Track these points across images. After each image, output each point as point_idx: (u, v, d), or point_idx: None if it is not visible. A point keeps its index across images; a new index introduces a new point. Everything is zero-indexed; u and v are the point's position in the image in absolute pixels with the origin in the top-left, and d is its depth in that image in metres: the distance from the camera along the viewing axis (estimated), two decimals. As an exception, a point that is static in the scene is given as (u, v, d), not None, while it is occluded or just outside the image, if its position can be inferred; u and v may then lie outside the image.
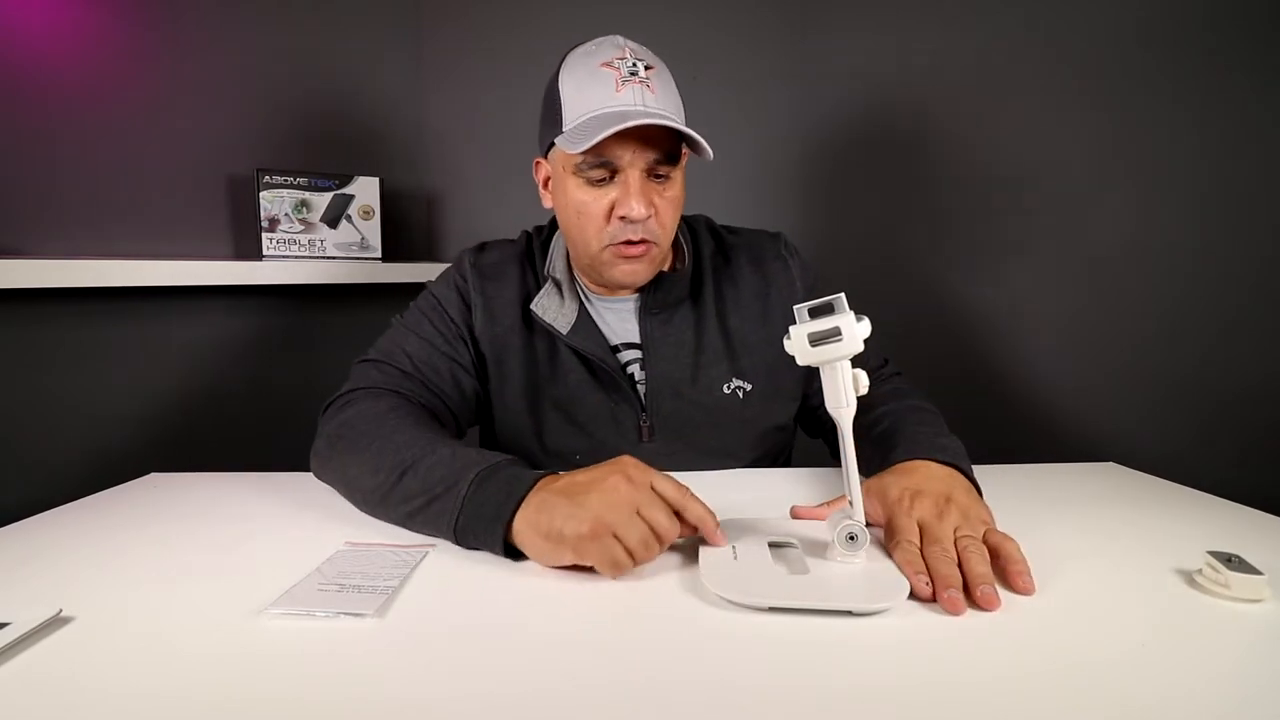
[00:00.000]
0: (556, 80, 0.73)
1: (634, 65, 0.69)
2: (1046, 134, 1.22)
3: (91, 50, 1.04)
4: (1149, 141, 1.16)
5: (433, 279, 0.86)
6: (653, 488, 0.52)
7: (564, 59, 0.74)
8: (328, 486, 0.69)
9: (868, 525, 0.52)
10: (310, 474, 0.71)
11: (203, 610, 0.46)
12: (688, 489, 0.54)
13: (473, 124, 1.43)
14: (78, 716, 0.35)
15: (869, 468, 0.66)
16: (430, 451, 0.59)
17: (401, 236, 1.40)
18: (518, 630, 0.43)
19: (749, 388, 0.80)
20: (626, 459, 0.55)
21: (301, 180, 1.20)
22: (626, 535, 0.49)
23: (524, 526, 0.52)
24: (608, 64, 0.69)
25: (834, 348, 0.48)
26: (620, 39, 0.73)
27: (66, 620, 0.44)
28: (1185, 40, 1.12)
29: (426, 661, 0.40)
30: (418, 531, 0.59)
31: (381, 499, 0.61)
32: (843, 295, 0.50)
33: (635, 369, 0.80)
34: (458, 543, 0.56)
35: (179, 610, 0.46)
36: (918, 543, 0.52)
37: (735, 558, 0.51)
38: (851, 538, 0.50)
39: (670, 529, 0.51)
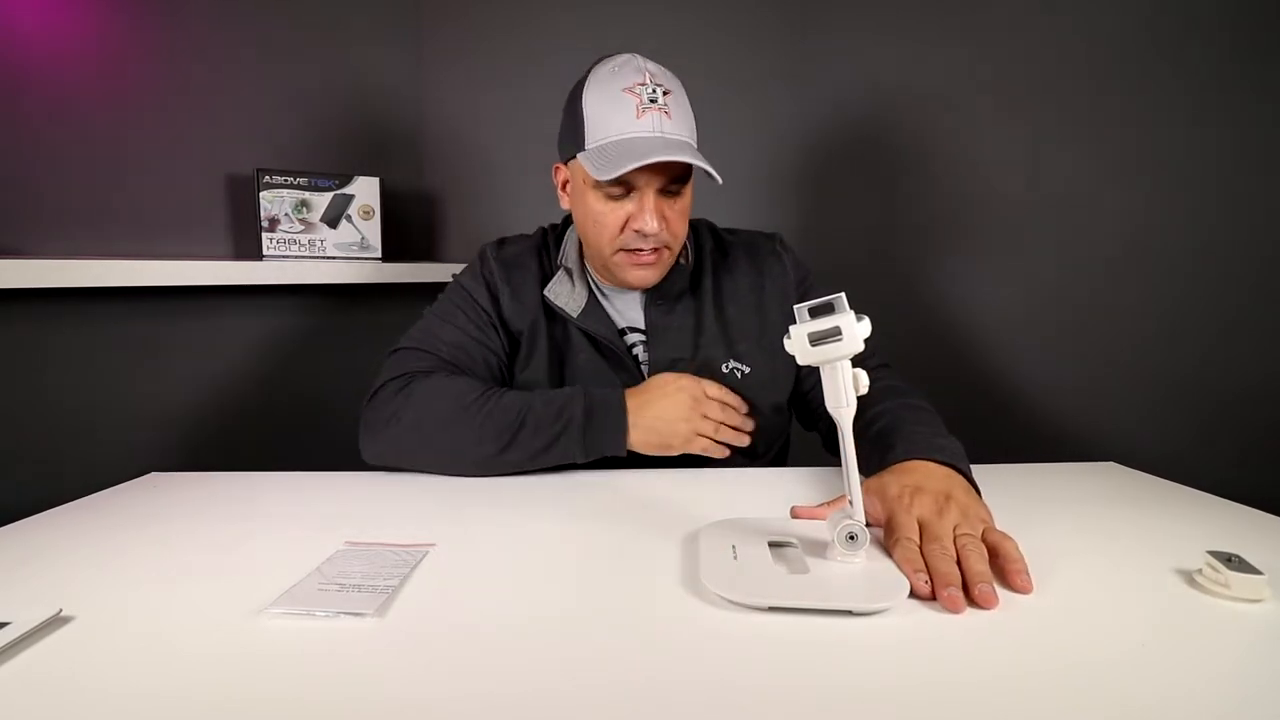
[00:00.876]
0: (581, 97, 0.78)
1: (653, 91, 0.75)
2: (1046, 133, 1.22)
3: (91, 50, 1.04)
4: (1149, 141, 1.16)
5: (432, 280, 0.87)
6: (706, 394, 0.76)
7: (588, 74, 0.79)
8: (327, 485, 0.70)
9: (867, 524, 0.52)
10: (311, 474, 0.72)
11: (203, 610, 0.46)
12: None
13: (473, 124, 1.43)
14: (78, 716, 0.35)
15: (866, 467, 0.65)
16: (527, 403, 0.74)
17: (401, 236, 1.40)
18: (517, 630, 0.43)
19: (746, 370, 0.86)
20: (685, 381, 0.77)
21: (301, 180, 1.20)
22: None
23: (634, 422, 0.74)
24: (629, 89, 0.75)
25: (834, 347, 0.48)
26: (640, 61, 0.78)
27: (66, 620, 0.44)
28: (1185, 40, 1.12)
29: (426, 661, 0.40)
30: (541, 466, 0.75)
31: (499, 453, 0.73)
32: (843, 295, 0.49)
33: (640, 350, 0.86)
34: (586, 449, 0.74)
35: (179, 610, 0.46)
36: (917, 540, 0.52)
37: (735, 558, 0.51)
38: (851, 538, 0.50)
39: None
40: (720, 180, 0.74)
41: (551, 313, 0.86)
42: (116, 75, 1.07)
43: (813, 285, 0.90)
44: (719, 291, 0.88)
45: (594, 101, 0.77)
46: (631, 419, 0.75)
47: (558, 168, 0.85)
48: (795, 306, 0.50)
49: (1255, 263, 1.12)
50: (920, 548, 0.51)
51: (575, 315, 0.84)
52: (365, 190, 1.26)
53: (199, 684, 0.37)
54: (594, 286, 0.87)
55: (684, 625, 0.44)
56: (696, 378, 0.77)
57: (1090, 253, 1.21)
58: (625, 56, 0.79)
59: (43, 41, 1.00)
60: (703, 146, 0.78)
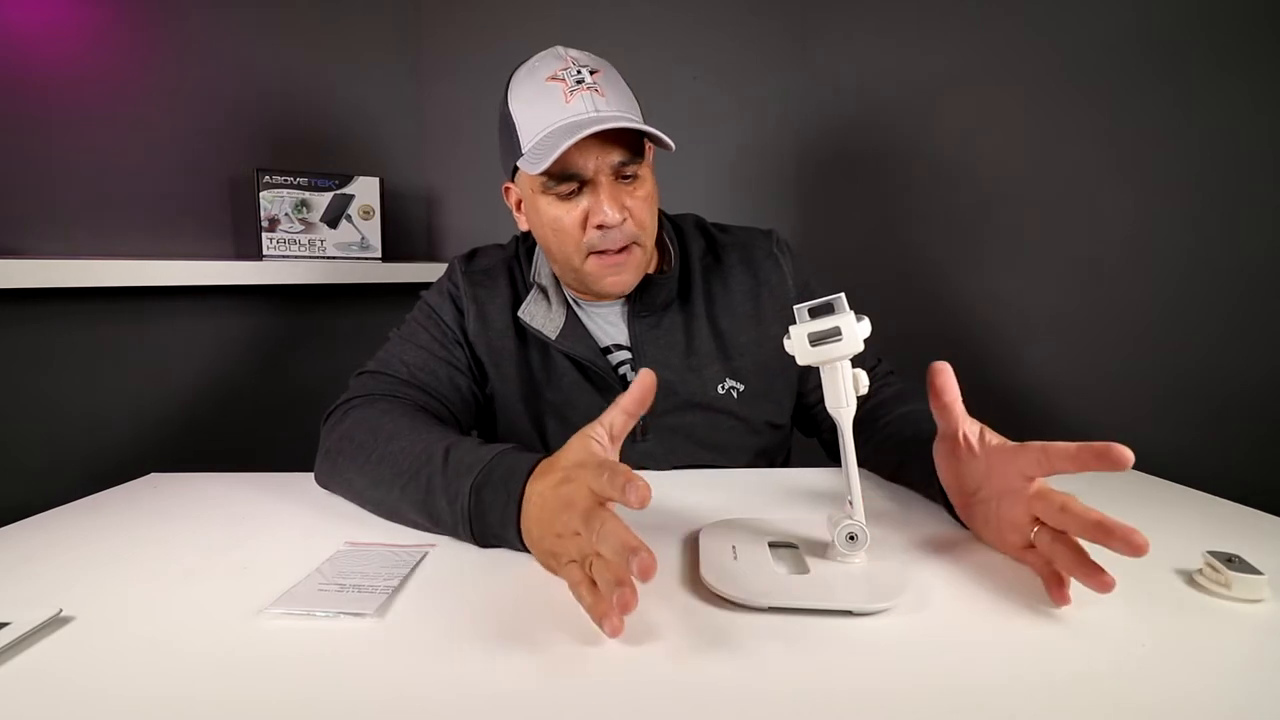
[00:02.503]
0: (506, 104, 0.73)
1: (578, 73, 0.69)
2: (1044, 134, 1.22)
3: (91, 50, 1.05)
4: (1147, 141, 1.16)
5: (432, 280, 0.87)
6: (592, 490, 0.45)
7: (509, 82, 0.74)
8: (323, 487, 0.70)
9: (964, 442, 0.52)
10: (311, 474, 0.72)
11: (203, 610, 0.46)
12: (620, 477, 0.42)
13: (473, 124, 1.43)
14: (78, 716, 0.35)
15: (907, 468, 0.66)
16: (426, 461, 0.59)
17: (401, 236, 1.40)
18: (517, 629, 0.43)
19: (742, 388, 0.80)
20: (573, 472, 0.48)
21: (301, 180, 1.20)
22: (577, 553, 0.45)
23: (527, 539, 0.52)
24: (553, 77, 0.69)
25: (834, 347, 0.48)
26: (560, 49, 0.72)
27: (66, 620, 0.44)
28: (1182, 40, 1.12)
29: (427, 661, 0.40)
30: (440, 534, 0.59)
31: (393, 509, 0.61)
32: (842, 295, 0.50)
33: (626, 370, 0.80)
34: (483, 547, 0.56)
35: (179, 610, 0.46)
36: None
37: (735, 558, 0.51)
38: (851, 538, 0.50)
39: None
40: (673, 146, 0.67)
41: (527, 334, 0.80)
42: (116, 75, 1.07)
43: (815, 290, 0.82)
44: (711, 301, 0.81)
45: (519, 102, 0.71)
46: (527, 511, 0.51)
47: (507, 188, 0.79)
48: (795, 307, 0.50)
49: (1255, 261, 1.12)
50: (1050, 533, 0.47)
51: (554, 337, 0.77)
52: (365, 190, 1.26)
53: (199, 684, 0.37)
54: (572, 302, 0.81)
55: (684, 625, 0.44)
56: (601, 469, 0.44)
57: (1089, 252, 1.21)
58: (544, 51, 0.73)
59: (43, 41, 1.00)
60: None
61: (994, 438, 0.53)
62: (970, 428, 0.54)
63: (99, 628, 0.44)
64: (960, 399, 0.53)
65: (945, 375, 0.53)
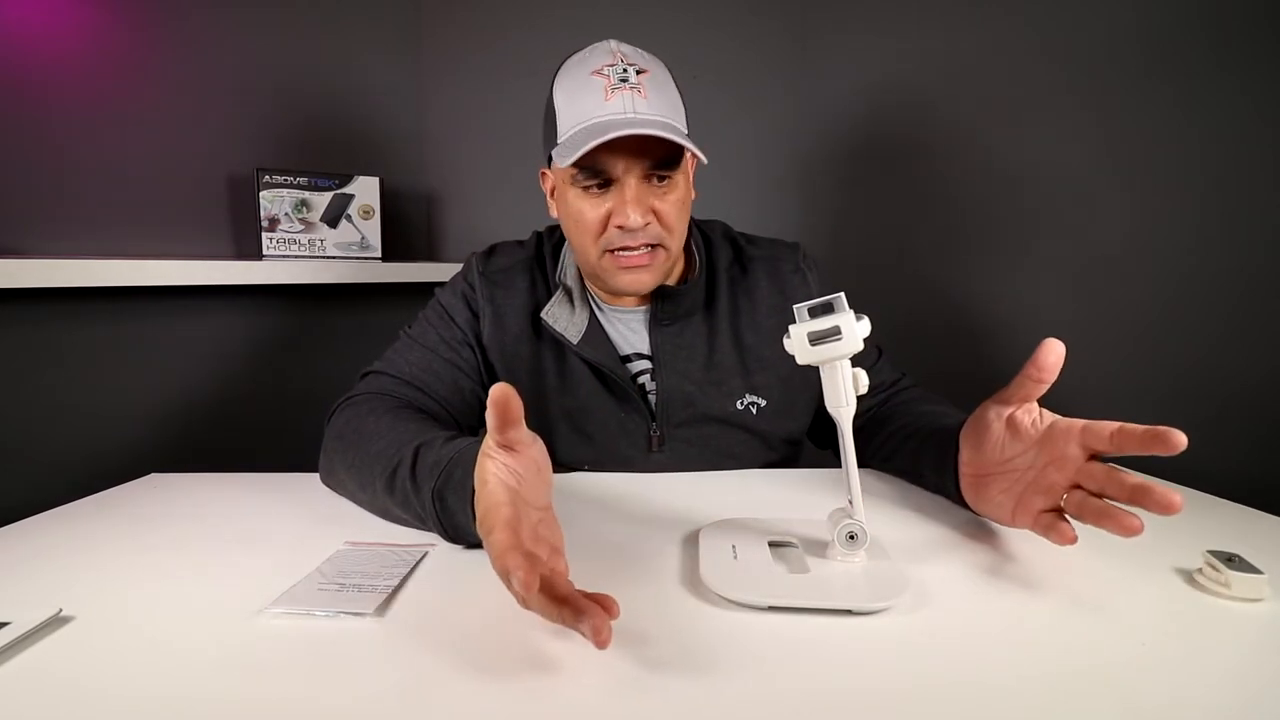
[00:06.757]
0: (551, 91, 0.73)
1: (624, 71, 0.69)
2: (1047, 134, 1.22)
3: (91, 50, 1.04)
4: (1147, 141, 1.16)
5: (432, 279, 0.87)
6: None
7: (559, 68, 0.74)
8: (326, 486, 0.70)
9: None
10: (310, 474, 0.72)
11: (203, 610, 0.46)
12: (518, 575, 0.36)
13: (472, 124, 1.43)
14: (78, 716, 0.35)
15: (913, 451, 0.68)
16: (399, 464, 0.58)
17: (401, 236, 1.40)
18: (517, 629, 0.43)
19: (763, 404, 0.80)
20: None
21: (301, 180, 1.20)
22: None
23: None
24: (598, 71, 0.69)
25: (833, 346, 0.48)
26: (613, 43, 0.72)
27: (66, 620, 0.44)
28: (1182, 40, 1.12)
29: (426, 661, 0.40)
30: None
31: (384, 510, 0.62)
32: (842, 294, 0.50)
33: (645, 379, 0.79)
34: (468, 546, 0.56)
35: (179, 610, 0.46)
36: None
37: (735, 557, 0.51)
38: (851, 537, 0.50)
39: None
40: (705, 160, 0.67)
41: (544, 337, 0.79)
42: (116, 75, 1.07)
43: None
44: (736, 313, 0.80)
45: (563, 92, 0.71)
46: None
47: (544, 174, 0.79)
48: (794, 306, 0.50)
49: (1256, 262, 1.12)
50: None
51: (575, 342, 0.76)
52: (365, 190, 1.26)
53: (199, 684, 0.37)
54: (596, 307, 0.80)
55: (684, 625, 0.44)
56: (505, 538, 0.39)
57: (1091, 252, 1.21)
58: (598, 43, 0.73)
59: (43, 41, 1.00)
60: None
61: (1050, 415, 0.56)
62: (1036, 407, 0.56)
63: (99, 628, 0.44)
64: (1048, 385, 0.54)
65: (1055, 356, 0.54)
